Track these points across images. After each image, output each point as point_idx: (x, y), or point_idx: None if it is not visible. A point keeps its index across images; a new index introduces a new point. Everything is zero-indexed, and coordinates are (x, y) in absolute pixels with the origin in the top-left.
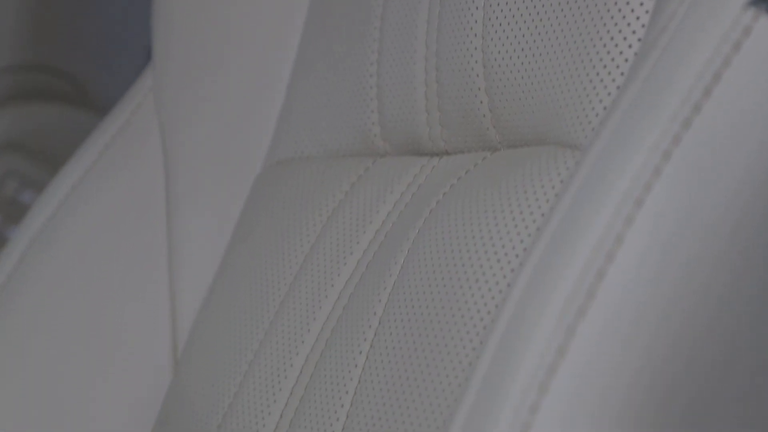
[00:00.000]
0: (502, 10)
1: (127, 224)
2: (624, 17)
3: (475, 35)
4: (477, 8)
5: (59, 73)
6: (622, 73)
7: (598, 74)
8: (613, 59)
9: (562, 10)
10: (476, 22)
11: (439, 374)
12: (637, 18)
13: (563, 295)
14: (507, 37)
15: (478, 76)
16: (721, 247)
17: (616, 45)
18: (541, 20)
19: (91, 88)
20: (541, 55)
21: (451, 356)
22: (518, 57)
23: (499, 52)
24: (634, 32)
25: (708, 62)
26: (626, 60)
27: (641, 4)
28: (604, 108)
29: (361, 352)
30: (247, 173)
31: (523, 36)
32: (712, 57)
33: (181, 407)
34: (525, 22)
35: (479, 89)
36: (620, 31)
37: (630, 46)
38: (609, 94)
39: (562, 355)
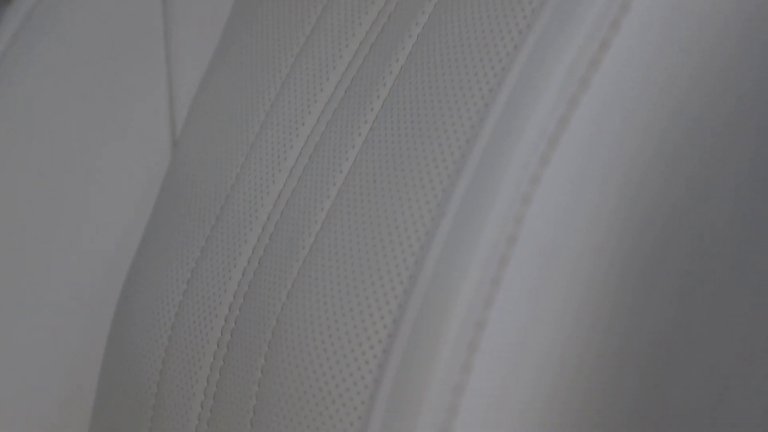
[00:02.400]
0: None
1: (123, 4)
2: None
3: None
4: None
5: None
6: None
7: None
8: None
9: None
10: None
11: (441, 144)
12: None
13: (556, 85)
14: None
15: None
16: (718, 29)
17: None
18: None
19: None
20: None
21: (456, 126)
22: None
23: None
24: None
25: None
26: None
27: None
28: None
29: (360, 134)
30: None
31: None
32: None
33: (182, 186)
34: None
35: None
36: None
37: None
38: None
39: (564, 126)
